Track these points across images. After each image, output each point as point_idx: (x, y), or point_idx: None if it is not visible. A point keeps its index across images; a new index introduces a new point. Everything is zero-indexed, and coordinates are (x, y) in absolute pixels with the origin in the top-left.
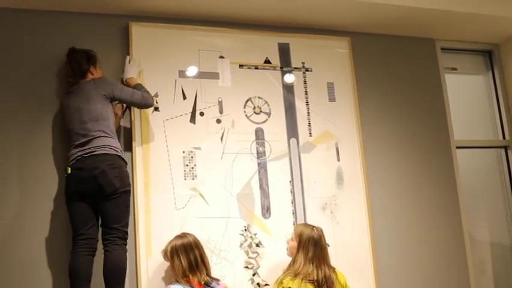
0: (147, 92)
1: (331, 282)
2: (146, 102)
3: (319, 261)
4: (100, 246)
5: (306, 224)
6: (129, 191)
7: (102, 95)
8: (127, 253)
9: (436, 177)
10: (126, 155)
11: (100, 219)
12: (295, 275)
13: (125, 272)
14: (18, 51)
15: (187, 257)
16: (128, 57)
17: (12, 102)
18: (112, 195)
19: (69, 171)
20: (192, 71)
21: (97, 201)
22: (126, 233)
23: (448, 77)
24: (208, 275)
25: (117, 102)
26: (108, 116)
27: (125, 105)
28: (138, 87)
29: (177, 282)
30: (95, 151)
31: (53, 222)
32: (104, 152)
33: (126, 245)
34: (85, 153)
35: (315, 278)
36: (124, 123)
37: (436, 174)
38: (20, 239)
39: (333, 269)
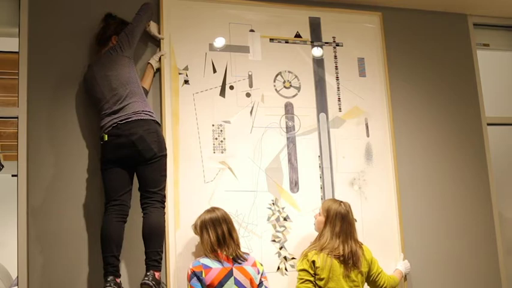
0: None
1: (357, 258)
2: (143, 14)
3: (346, 236)
4: (131, 213)
5: (333, 199)
6: (166, 155)
7: (124, 57)
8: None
9: (466, 154)
10: None
11: (138, 183)
12: (321, 249)
13: (164, 233)
14: (53, 19)
15: (215, 231)
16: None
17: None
18: (151, 160)
19: (106, 138)
20: (222, 44)
21: (135, 167)
22: (164, 196)
23: (480, 53)
24: (237, 249)
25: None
26: (136, 78)
27: (155, 67)
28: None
29: (206, 256)
30: (131, 117)
31: (88, 190)
32: (139, 117)
33: (164, 207)
34: (120, 120)
35: (341, 253)
36: (154, 96)
37: (466, 151)
38: (53, 208)
39: (360, 245)
